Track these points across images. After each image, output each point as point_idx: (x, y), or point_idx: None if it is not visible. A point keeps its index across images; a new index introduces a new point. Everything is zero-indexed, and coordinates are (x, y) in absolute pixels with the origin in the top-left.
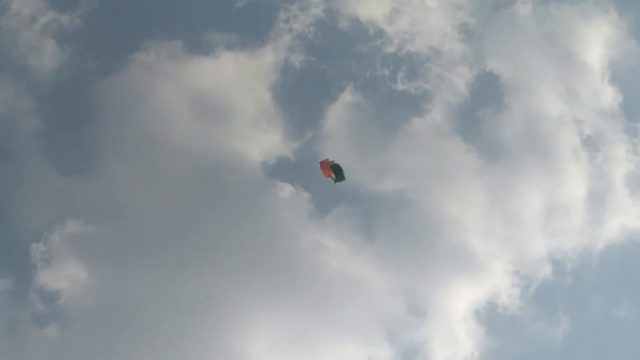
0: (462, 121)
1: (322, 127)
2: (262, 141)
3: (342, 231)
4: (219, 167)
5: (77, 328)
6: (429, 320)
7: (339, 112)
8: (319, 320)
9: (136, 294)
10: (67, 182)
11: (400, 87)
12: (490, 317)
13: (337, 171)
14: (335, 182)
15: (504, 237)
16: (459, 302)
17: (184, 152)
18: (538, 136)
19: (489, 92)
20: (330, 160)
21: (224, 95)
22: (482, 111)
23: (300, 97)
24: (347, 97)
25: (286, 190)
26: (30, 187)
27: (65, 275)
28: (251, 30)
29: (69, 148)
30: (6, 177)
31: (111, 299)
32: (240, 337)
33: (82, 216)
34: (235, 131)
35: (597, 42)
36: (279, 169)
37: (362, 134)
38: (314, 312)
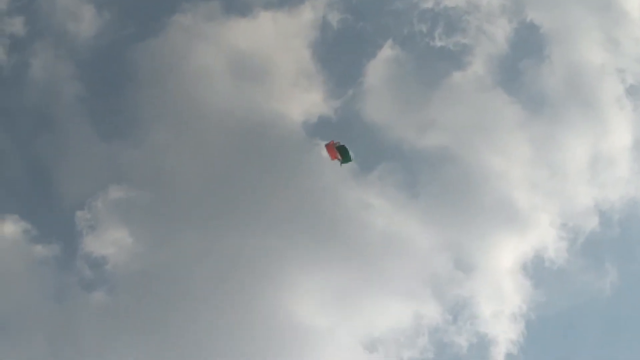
0: (503, 73)
1: (363, 85)
2: (303, 100)
3: (386, 189)
4: (260, 128)
5: (124, 292)
6: (475, 276)
7: (379, 69)
8: (365, 278)
9: (182, 257)
10: (108, 147)
11: (439, 43)
12: (537, 270)
13: (343, 152)
14: (341, 163)
15: (549, 189)
16: (506, 256)
17: (225, 114)
18: (581, 86)
19: (529, 43)
20: (335, 142)
21: (263, 55)
22: (524, 62)
23: (339, 54)
24: (387, 52)
25: None
26: (73, 153)
27: (110, 241)
28: None
29: (110, 113)
30: (48, 143)
31: (157, 262)
32: (287, 296)
33: (125, 181)
34: (275, 91)
35: None
36: (321, 128)
37: (402, 90)
38: (360, 270)
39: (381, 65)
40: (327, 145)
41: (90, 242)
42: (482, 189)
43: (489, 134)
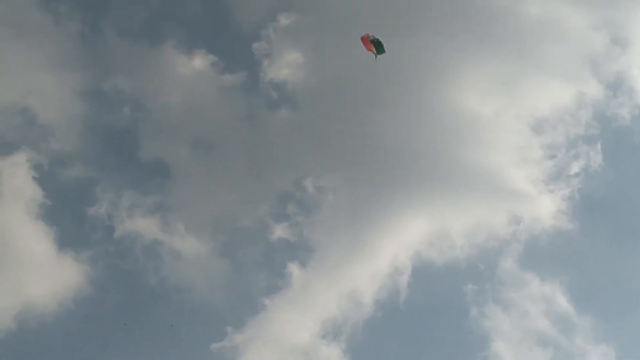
0: None
1: None
2: None
3: None
4: None
5: (305, 107)
6: (632, 49)
7: None
8: (525, 64)
9: (353, 67)
10: None
11: None
12: None
13: (377, 45)
14: (375, 56)
15: None
16: None
17: None
18: None
19: None
20: (371, 35)
21: None
22: None
23: None
24: None
25: None
26: None
27: (286, 64)
28: None
29: None
30: None
31: (331, 76)
32: (454, 89)
33: (292, 8)
34: None
35: None
36: None
37: None
38: (520, 58)
39: None
40: (362, 38)
41: (269, 68)
42: None
43: None
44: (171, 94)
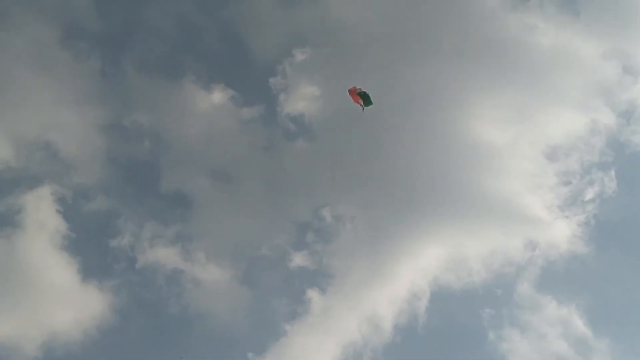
0: None
1: None
2: None
3: (547, 11)
4: None
5: (322, 139)
6: None
7: None
8: (538, 93)
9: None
10: (287, 12)
11: None
12: None
13: (364, 98)
14: (363, 108)
15: None
16: None
17: None
18: None
19: None
20: (358, 88)
21: None
22: None
23: None
24: None
25: None
26: (259, 22)
27: (302, 97)
28: None
29: None
30: (236, 14)
31: (346, 108)
32: (469, 118)
33: (307, 43)
34: None
35: None
36: None
37: None
38: (533, 87)
39: None
40: (349, 91)
41: (286, 101)
42: None
43: None
44: (190, 127)
